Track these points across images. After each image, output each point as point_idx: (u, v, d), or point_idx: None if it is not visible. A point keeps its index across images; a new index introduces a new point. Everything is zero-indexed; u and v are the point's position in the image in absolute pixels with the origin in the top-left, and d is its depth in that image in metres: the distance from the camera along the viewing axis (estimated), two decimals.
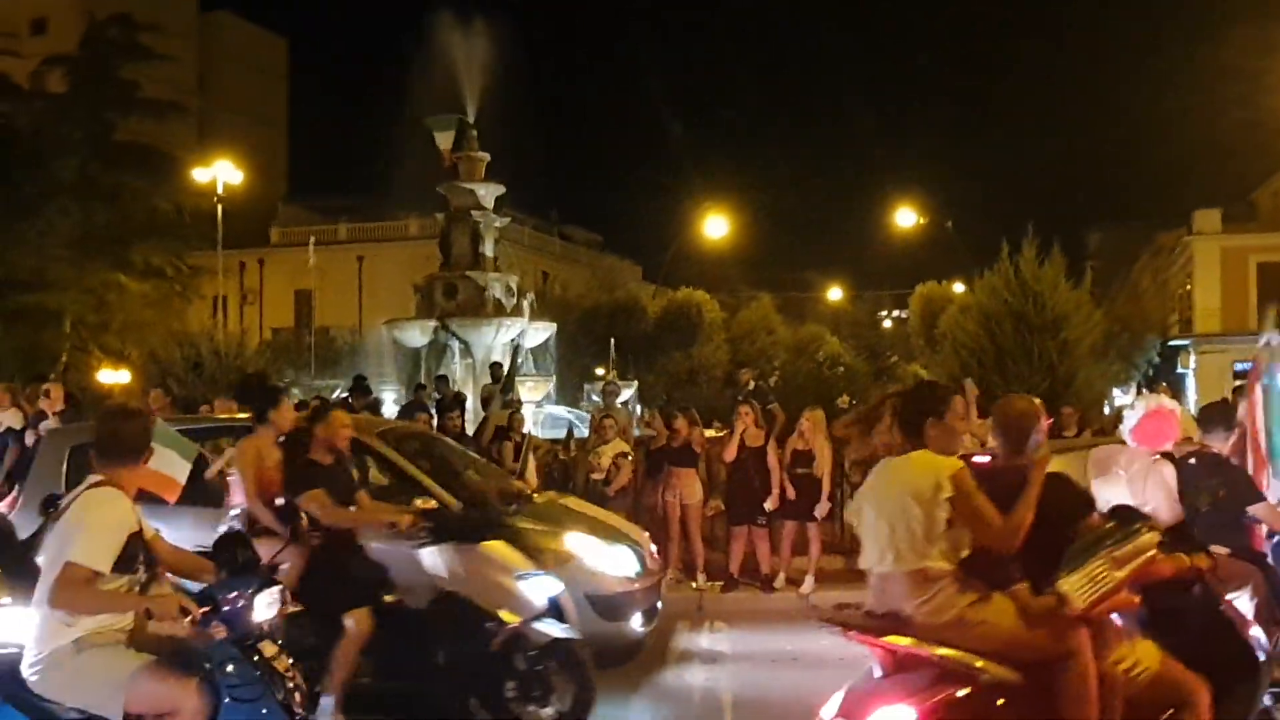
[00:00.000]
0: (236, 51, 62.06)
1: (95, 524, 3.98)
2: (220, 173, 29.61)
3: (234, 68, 61.44)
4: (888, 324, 46.32)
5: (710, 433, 12.54)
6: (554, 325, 22.70)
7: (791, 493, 10.46)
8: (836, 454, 10.56)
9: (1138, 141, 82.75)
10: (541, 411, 19.27)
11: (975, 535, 4.14)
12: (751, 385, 13.95)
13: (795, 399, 14.08)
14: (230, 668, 3.98)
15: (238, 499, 6.64)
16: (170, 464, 6.64)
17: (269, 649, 4.19)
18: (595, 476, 10.89)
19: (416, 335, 21.00)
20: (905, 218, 34.06)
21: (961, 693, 4.00)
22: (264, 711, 3.97)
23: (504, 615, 6.05)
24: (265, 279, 46.51)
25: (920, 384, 5.88)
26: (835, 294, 48.96)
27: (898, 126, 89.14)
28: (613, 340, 25.69)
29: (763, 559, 10.68)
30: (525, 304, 21.95)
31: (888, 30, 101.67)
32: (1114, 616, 4.35)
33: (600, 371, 24.73)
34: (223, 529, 6.48)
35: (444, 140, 23.14)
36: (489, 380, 17.39)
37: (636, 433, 15.66)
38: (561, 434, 13.69)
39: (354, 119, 76.55)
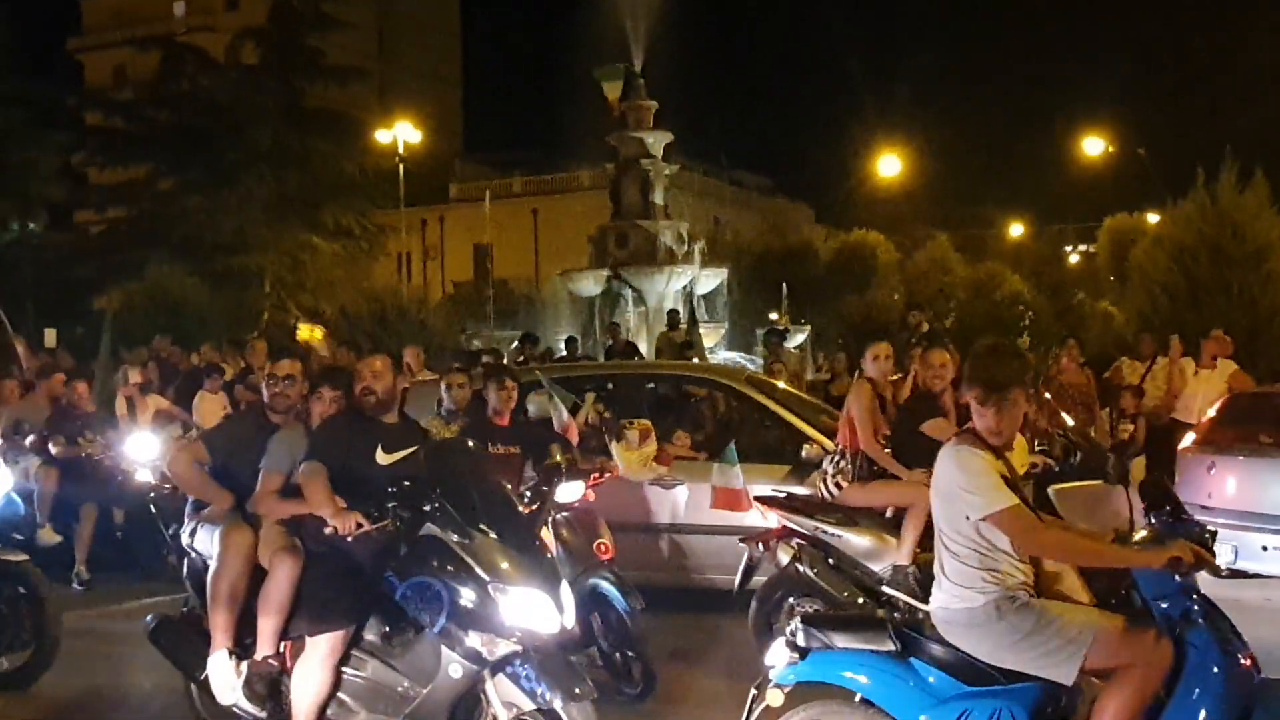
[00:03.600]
0: (412, 14, 63.88)
1: (983, 472, 3.90)
2: (400, 133, 30.70)
3: (410, 30, 63.31)
4: (1074, 259, 44.21)
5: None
6: (725, 271, 22.77)
7: None
8: None
9: None
10: (715, 358, 19.44)
11: None
12: (925, 328, 13.64)
13: (973, 341, 13.67)
14: (1199, 621, 3.80)
15: (842, 441, 6.49)
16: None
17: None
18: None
19: (590, 285, 21.47)
20: (1092, 145, 32.34)
21: None
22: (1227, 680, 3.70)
23: None
24: (445, 234, 48.14)
25: None
26: (1017, 230, 47.00)
27: (1081, 46, 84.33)
28: (784, 285, 25.51)
29: None
30: (696, 251, 22.10)
31: None
32: None
33: (774, 316, 24.63)
34: None
35: (612, 90, 23.42)
36: (664, 327, 17.66)
37: (810, 375, 15.67)
38: None
39: (526, 74, 77.80)
